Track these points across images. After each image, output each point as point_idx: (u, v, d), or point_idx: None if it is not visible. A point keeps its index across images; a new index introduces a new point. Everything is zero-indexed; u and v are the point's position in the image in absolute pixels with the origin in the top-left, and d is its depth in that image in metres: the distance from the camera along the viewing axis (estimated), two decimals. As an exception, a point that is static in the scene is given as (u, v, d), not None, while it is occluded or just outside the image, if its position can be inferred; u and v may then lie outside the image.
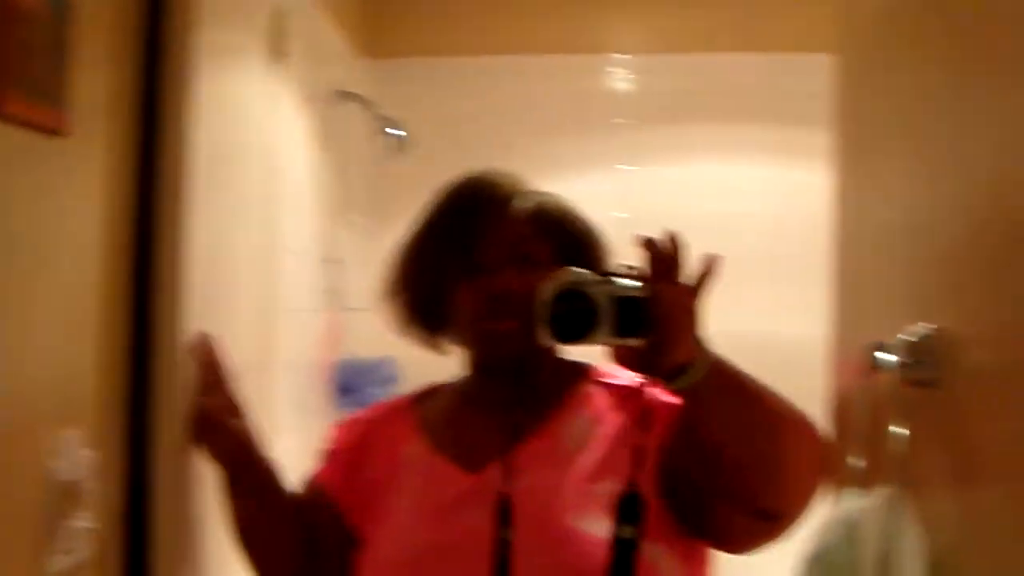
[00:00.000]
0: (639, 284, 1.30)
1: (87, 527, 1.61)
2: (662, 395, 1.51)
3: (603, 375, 1.66)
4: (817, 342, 2.21)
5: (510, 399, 1.63)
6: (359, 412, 1.84)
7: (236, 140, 2.46)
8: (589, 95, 3.95)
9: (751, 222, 3.72)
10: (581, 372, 1.69)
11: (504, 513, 1.47)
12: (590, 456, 1.55)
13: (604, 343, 1.31)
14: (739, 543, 1.47)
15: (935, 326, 1.45)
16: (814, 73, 3.60)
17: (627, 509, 1.38)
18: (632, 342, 1.29)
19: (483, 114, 3.88)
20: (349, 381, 3.24)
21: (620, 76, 3.96)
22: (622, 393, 1.62)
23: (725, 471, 1.39)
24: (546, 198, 1.68)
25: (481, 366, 1.69)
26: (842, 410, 1.91)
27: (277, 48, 2.73)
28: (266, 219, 2.67)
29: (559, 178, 3.89)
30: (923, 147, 1.56)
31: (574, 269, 1.32)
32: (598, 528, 1.44)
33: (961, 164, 1.40)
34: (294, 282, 2.83)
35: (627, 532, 1.37)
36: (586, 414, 1.61)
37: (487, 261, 1.60)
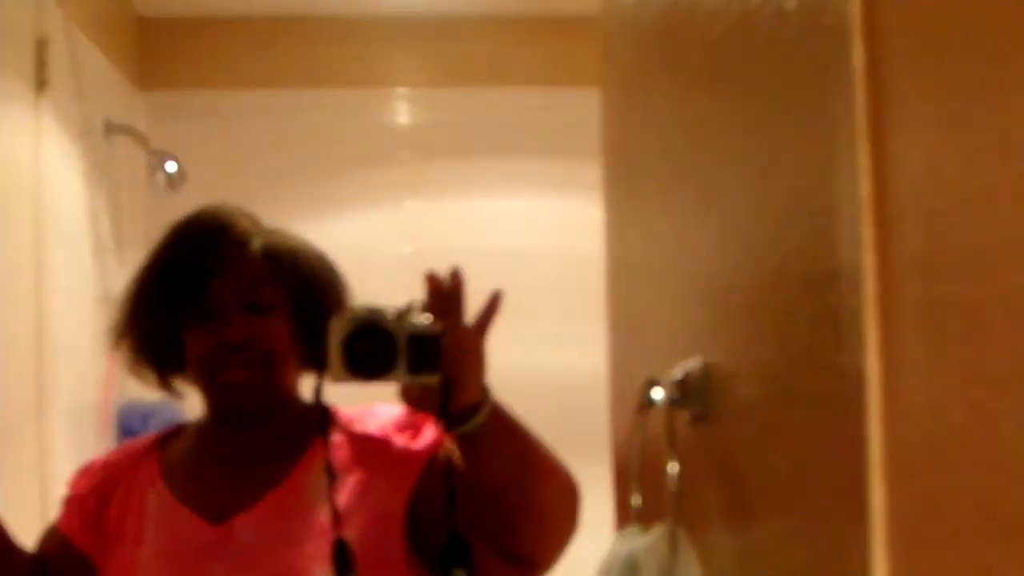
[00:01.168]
0: (431, 321, 1.30)
1: None
2: (407, 443, 1.53)
3: (348, 421, 1.62)
4: (599, 376, 2.24)
5: (249, 449, 1.60)
6: (101, 456, 1.74)
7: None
8: (372, 129, 3.93)
9: (533, 255, 3.77)
10: (325, 419, 1.59)
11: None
12: (328, 510, 1.48)
13: (398, 381, 1.30)
14: None
15: (703, 361, 1.48)
16: (589, 107, 3.74)
17: (454, 553, 1.36)
18: (426, 380, 1.28)
19: (263, 149, 3.82)
20: (132, 425, 3.14)
21: (403, 110, 3.95)
22: (368, 444, 1.58)
23: (489, 514, 1.40)
24: (280, 238, 1.63)
25: (218, 413, 1.63)
26: (621, 446, 1.93)
27: (38, 78, 2.64)
28: (33, 258, 2.56)
29: (343, 214, 3.88)
30: (685, 181, 1.59)
31: (366, 305, 1.31)
32: None
33: (721, 199, 1.43)
34: (67, 322, 2.73)
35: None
36: (327, 466, 1.52)
37: (216, 306, 1.54)
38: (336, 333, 1.28)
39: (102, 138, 3.23)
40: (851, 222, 1.08)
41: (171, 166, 3.32)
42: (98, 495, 1.63)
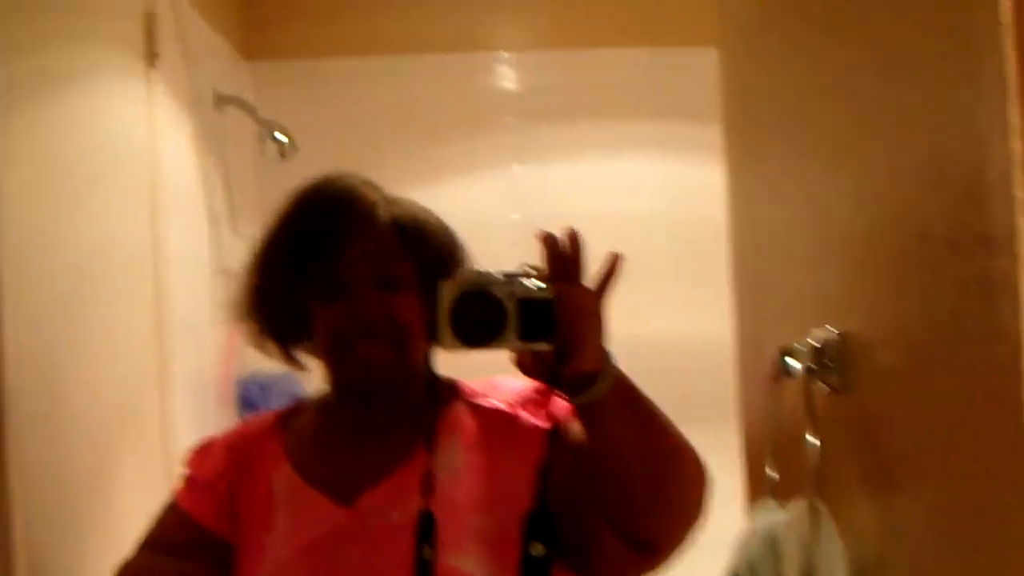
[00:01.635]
0: (544, 285, 1.24)
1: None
2: (533, 417, 1.48)
3: (475, 395, 1.56)
4: (719, 343, 2.19)
5: (378, 425, 1.54)
6: (220, 436, 1.66)
7: (105, 151, 2.38)
8: (476, 94, 3.87)
9: (646, 220, 3.69)
10: (452, 393, 1.58)
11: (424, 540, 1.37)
12: (464, 487, 1.46)
13: (510, 349, 1.25)
14: (610, 573, 1.40)
15: (840, 329, 1.42)
16: (703, 67, 3.65)
17: (537, 526, 1.32)
18: (539, 347, 1.23)
19: (369, 117, 3.79)
20: (253, 396, 3.14)
21: (507, 74, 3.90)
22: (493, 419, 1.52)
23: (612, 493, 1.34)
24: (406, 207, 1.56)
25: (345, 390, 1.57)
26: (749, 415, 1.88)
27: (148, 51, 2.64)
28: (150, 230, 2.57)
29: (449, 181, 3.86)
30: (813, 141, 1.52)
31: (475, 268, 1.27)
32: (481, 569, 1.39)
33: (855, 159, 1.37)
34: (185, 294, 2.74)
35: (538, 551, 1.31)
36: (459, 441, 1.51)
37: (347, 280, 1.48)
38: (443, 300, 1.24)
39: (212, 109, 3.23)
40: (1002, 182, 1.02)
41: (280, 136, 3.31)
42: (227, 479, 1.58)
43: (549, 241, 1.25)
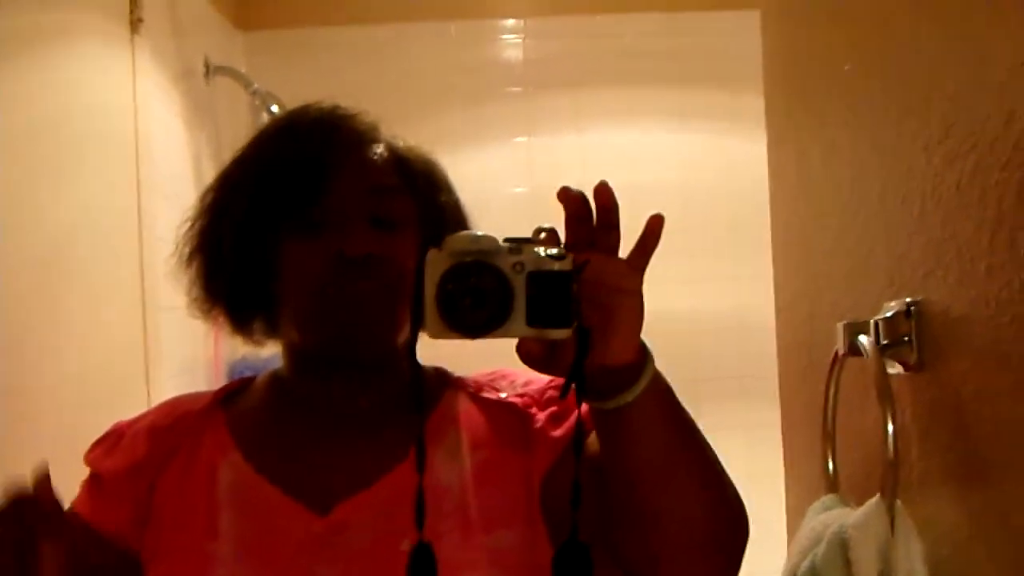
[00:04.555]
0: (561, 253, 0.93)
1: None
2: (549, 424, 1.20)
3: (479, 387, 1.29)
4: (740, 318, 2.04)
5: (355, 409, 1.25)
6: (133, 419, 1.31)
7: (87, 118, 2.23)
8: (480, 63, 3.72)
9: (660, 191, 3.49)
10: (446, 381, 1.31)
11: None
12: (475, 499, 1.18)
13: (517, 336, 0.93)
14: None
15: (915, 299, 1.25)
16: (715, 32, 3.51)
17: (572, 565, 0.96)
18: (555, 334, 0.92)
19: (368, 87, 3.62)
20: (245, 382, 2.98)
21: (513, 42, 3.73)
22: (503, 413, 1.24)
23: (630, 528, 1.06)
24: (409, 144, 1.29)
25: (318, 359, 1.25)
26: (799, 402, 1.71)
27: (133, 16, 2.50)
28: (134, 206, 2.43)
29: (452, 153, 3.62)
30: (880, 91, 1.35)
31: (471, 233, 0.93)
32: None
33: (943, 100, 1.19)
34: (174, 274, 2.59)
35: None
36: (463, 440, 1.23)
37: (333, 212, 1.19)
38: (430, 273, 0.92)
39: (203, 80, 3.09)
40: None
41: (275, 108, 3.14)
42: (149, 471, 1.24)
43: (572, 199, 0.96)
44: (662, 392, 1.01)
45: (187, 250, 1.29)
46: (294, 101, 3.29)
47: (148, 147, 2.52)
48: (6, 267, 1.73)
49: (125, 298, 2.35)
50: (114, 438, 1.29)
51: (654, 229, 0.98)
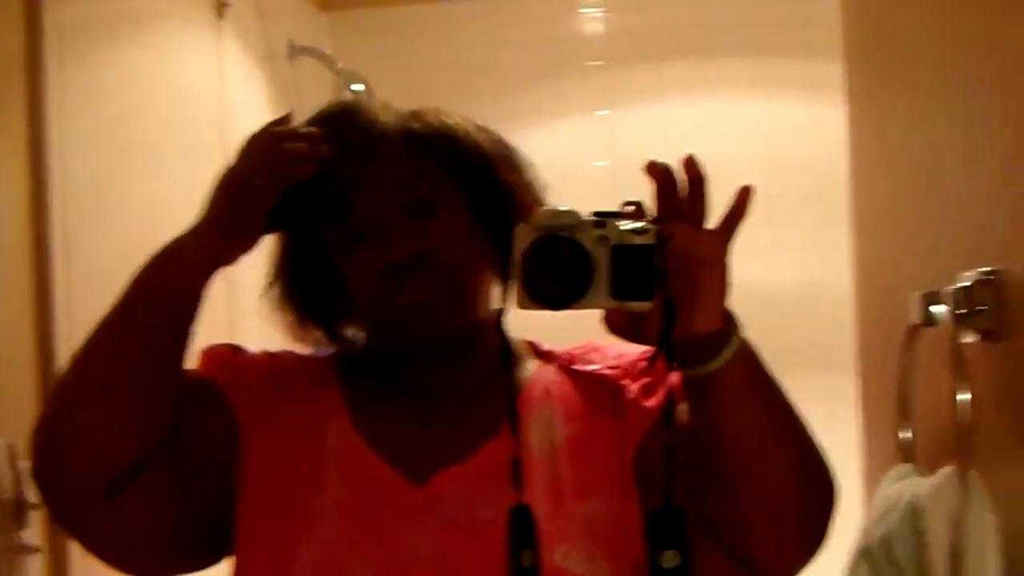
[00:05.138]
0: (645, 227, 0.97)
1: (33, 546, 1.41)
2: (642, 395, 1.21)
3: (572, 359, 1.29)
4: (830, 290, 2.02)
5: (448, 390, 1.26)
6: (252, 351, 1.33)
7: (173, 103, 2.28)
8: (558, 37, 3.72)
9: (744, 163, 3.48)
10: (535, 354, 1.31)
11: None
12: (569, 469, 1.19)
13: (599, 307, 0.99)
14: None
15: (993, 268, 1.24)
16: (796, 1, 3.47)
17: (668, 530, 1.01)
18: (637, 306, 0.97)
19: (449, 64, 3.65)
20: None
21: (590, 15, 3.73)
22: (596, 385, 1.25)
23: (720, 496, 1.09)
24: (434, 120, 1.25)
25: (401, 356, 1.28)
26: (878, 372, 1.70)
27: (218, 1, 2.54)
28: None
29: (533, 128, 3.69)
30: (962, 64, 1.34)
31: (555, 208, 0.98)
32: (598, 569, 1.13)
33: (1010, 81, 1.18)
34: (261, 264, 2.63)
35: (672, 561, 1.02)
36: (556, 412, 1.24)
37: (370, 223, 1.20)
38: (516, 248, 0.97)
39: (287, 61, 3.13)
40: None
41: (359, 87, 3.18)
42: (269, 386, 1.27)
43: (660, 171, 0.99)
44: (750, 360, 1.04)
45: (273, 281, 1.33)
46: (378, 79, 3.36)
47: (234, 130, 2.56)
48: (95, 252, 1.77)
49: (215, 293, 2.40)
50: (230, 354, 1.31)
51: (742, 200, 1.01)
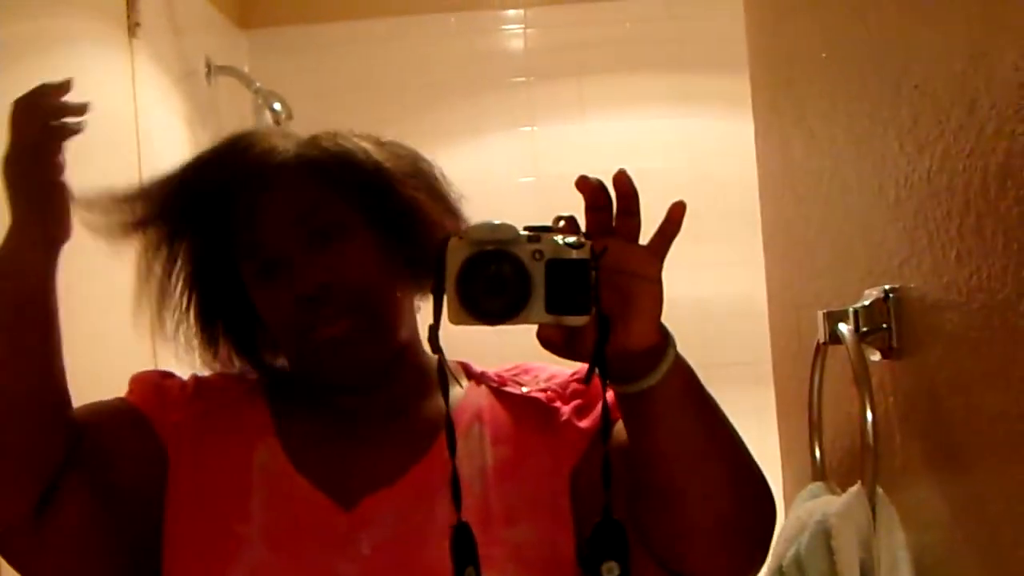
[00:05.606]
0: (580, 242, 0.96)
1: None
2: (574, 416, 1.22)
3: (502, 381, 1.30)
4: (746, 305, 2.03)
5: (376, 414, 1.26)
6: (178, 376, 1.34)
7: (86, 132, 2.24)
8: (482, 54, 3.74)
9: (665, 177, 3.47)
10: (467, 375, 1.32)
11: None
12: (497, 493, 1.19)
13: (535, 322, 0.98)
14: None
15: (892, 287, 1.25)
16: (717, 16, 3.49)
17: (608, 542, 0.99)
18: (573, 321, 0.96)
19: (371, 82, 3.64)
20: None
21: (511, 32, 3.74)
22: (527, 408, 1.26)
23: (657, 515, 1.08)
24: (321, 139, 1.26)
25: (325, 389, 1.28)
26: (791, 390, 1.71)
27: (130, 21, 2.51)
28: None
29: (457, 145, 3.69)
30: (858, 80, 1.35)
31: (490, 222, 0.97)
32: None
33: (914, 93, 1.18)
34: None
35: (614, 572, 0.99)
36: (485, 435, 1.24)
37: (274, 255, 1.20)
38: (450, 262, 0.96)
39: (204, 80, 3.10)
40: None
41: (277, 106, 3.16)
42: (197, 410, 1.27)
43: (590, 187, 0.98)
44: (685, 375, 1.04)
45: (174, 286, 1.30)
46: (297, 98, 3.33)
47: (150, 149, 2.53)
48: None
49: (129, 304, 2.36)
50: (156, 381, 1.31)
51: (675, 216, 1.01)
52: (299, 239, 1.20)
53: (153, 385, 1.29)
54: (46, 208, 1.13)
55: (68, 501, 1.15)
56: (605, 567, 0.99)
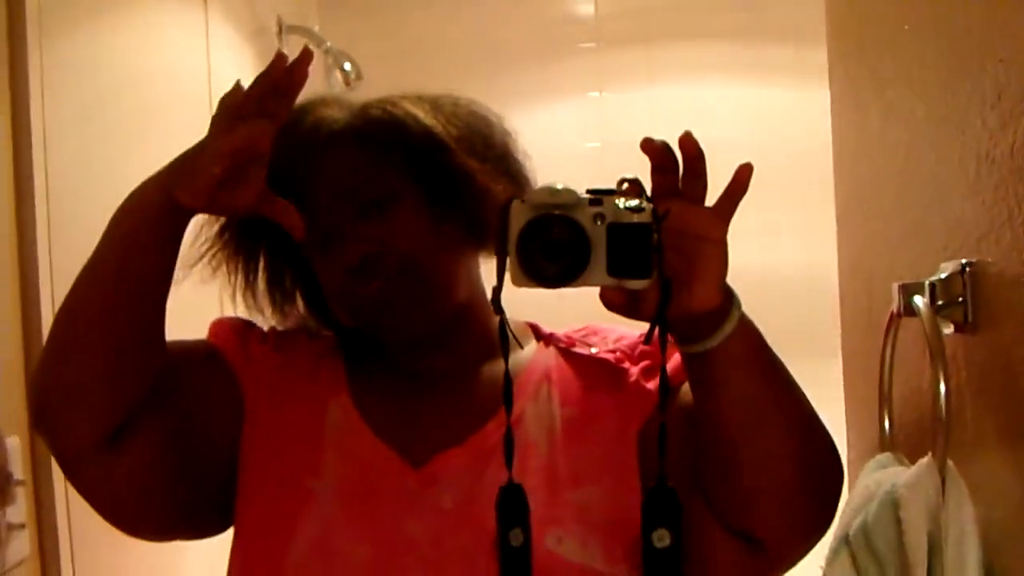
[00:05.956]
0: (641, 205, 0.97)
1: (18, 523, 1.41)
2: (642, 377, 1.22)
3: (571, 342, 1.31)
4: (817, 275, 2.02)
5: (443, 375, 1.28)
6: (267, 329, 1.37)
7: (160, 82, 2.26)
8: (552, 19, 3.73)
9: (733, 146, 3.46)
10: (536, 336, 1.33)
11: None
12: (564, 453, 1.20)
13: (596, 285, 0.98)
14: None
15: (969, 261, 1.24)
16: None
17: (660, 509, 1.00)
18: (634, 284, 0.96)
19: (440, 43, 3.65)
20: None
21: (584, -3, 3.72)
22: (598, 369, 1.26)
23: (722, 473, 1.09)
24: (374, 109, 1.26)
25: (384, 342, 1.30)
26: (860, 361, 1.71)
27: (203, -23, 2.53)
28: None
29: (524, 110, 3.69)
30: (938, 52, 1.33)
31: (551, 186, 0.97)
32: (590, 555, 1.15)
33: (997, 64, 1.17)
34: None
35: (663, 540, 1.00)
36: (553, 395, 1.25)
37: (323, 225, 1.22)
38: (512, 226, 0.97)
39: (275, 39, 3.12)
40: None
41: (347, 66, 3.17)
42: (275, 362, 1.30)
43: (656, 149, 0.98)
44: (750, 337, 1.05)
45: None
46: (367, 58, 3.34)
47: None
48: (75, 229, 1.76)
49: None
50: (238, 327, 1.34)
51: (742, 178, 1.01)
52: (349, 211, 1.22)
53: (237, 332, 1.33)
54: (192, 178, 1.14)
55: (142, 437, 1.18)
56: (656, 535, 1.00)
